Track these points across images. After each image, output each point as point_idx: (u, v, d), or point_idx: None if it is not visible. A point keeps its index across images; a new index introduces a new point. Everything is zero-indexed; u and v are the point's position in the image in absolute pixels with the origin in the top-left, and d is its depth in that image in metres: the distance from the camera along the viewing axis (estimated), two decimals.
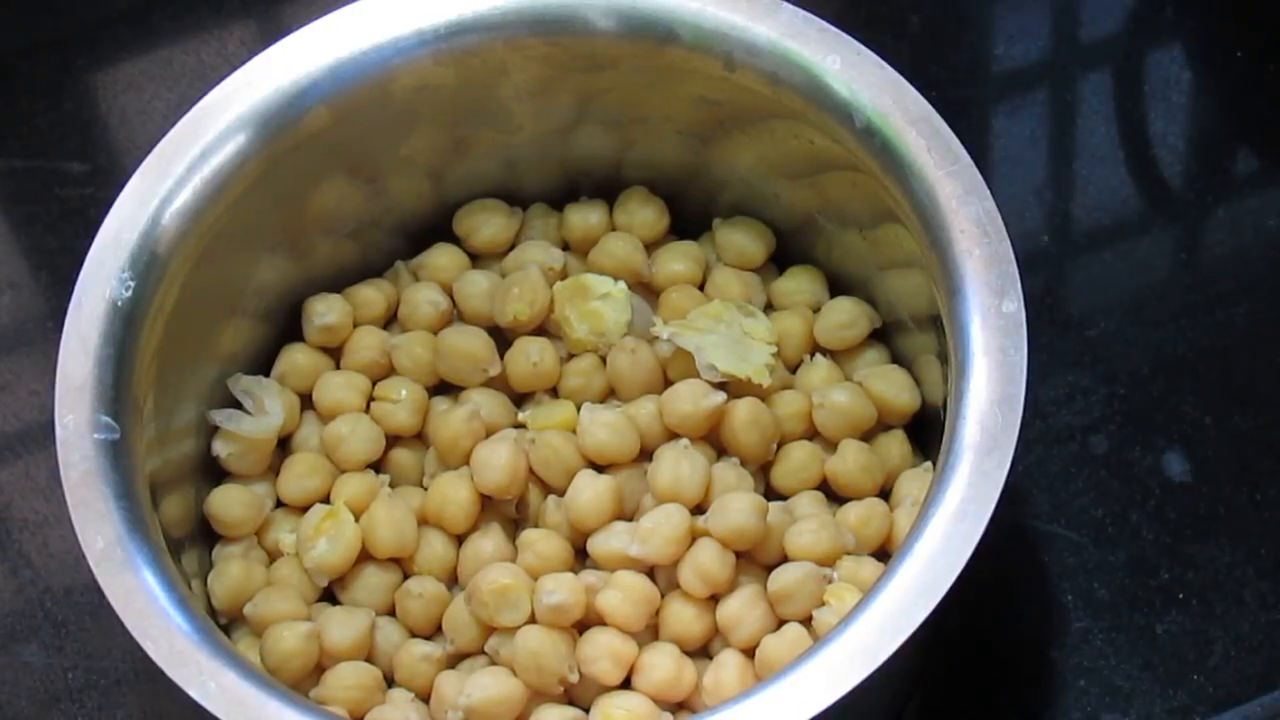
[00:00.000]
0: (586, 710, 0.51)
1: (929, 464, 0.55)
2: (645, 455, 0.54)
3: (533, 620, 0.52)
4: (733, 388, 0.55)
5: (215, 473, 0.56)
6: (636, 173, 0.59)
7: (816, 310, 0.57)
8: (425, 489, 0.56)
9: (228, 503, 0.55)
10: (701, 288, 0.58)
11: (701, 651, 0.52)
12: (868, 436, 0.55)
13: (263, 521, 0.55)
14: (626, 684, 0.51)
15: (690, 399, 0.54)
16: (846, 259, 0.57)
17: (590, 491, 0.53)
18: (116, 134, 0.70)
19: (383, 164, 0.57)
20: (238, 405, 0.56)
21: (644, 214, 0.58)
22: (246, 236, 0.55)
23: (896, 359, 0.57)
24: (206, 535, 0.55)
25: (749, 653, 0.51)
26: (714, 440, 0.55)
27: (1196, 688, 0.56)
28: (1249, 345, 0.62)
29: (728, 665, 0.51)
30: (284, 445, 0.57)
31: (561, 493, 0.54)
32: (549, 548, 0.53)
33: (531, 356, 0.56)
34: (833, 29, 0.52)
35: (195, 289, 0.53)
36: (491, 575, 0.52)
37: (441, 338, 0.56)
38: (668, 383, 0.55)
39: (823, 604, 0.51)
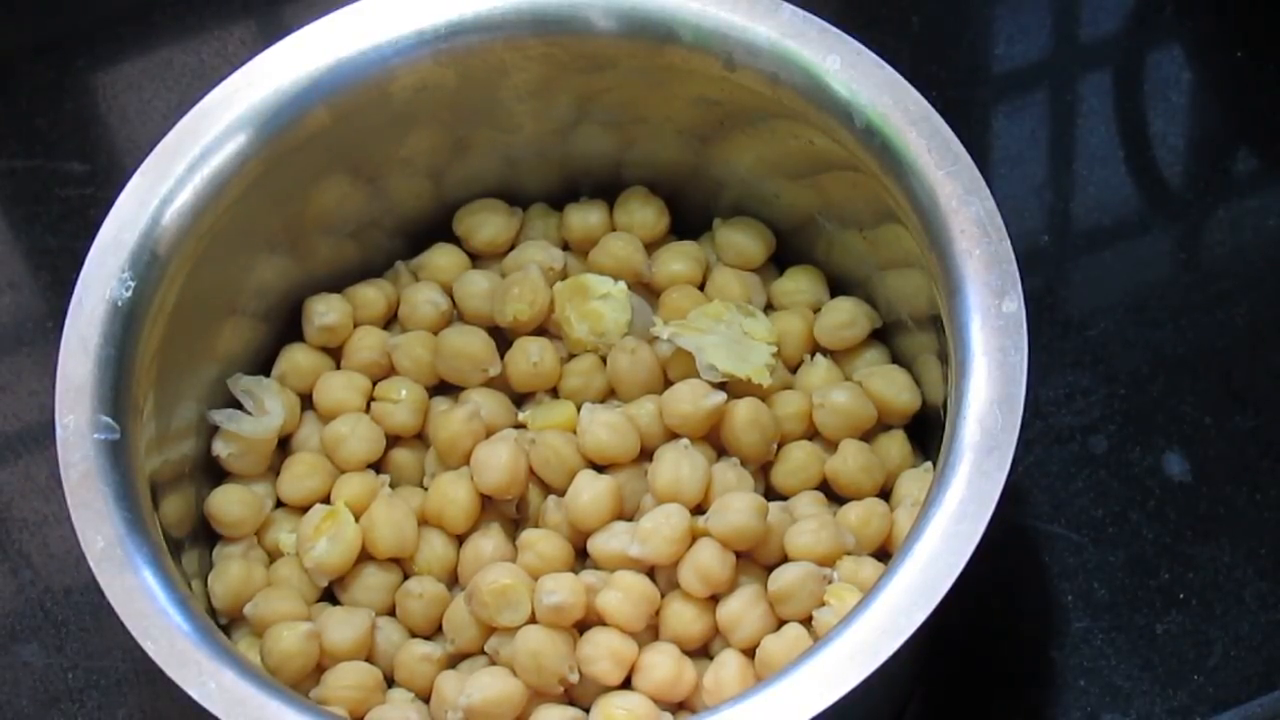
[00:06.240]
0: (587, 710, 0.51)
1: (929, 464, 0.55)
2: (645, 455, 0.54)
3: (533, 620, 0.52)
4: (733, 388, 0.55)
5: (215, 473, 0.56)
6: (636, 173, 0.59)
7: (816, 310, 0.57)
8: (425, 489, 0.56)
9: (228, 503, 0.55)
10: (701, 288, 0.58)
11: (701, 651, 0.52)
12: (868, 436, 0.55)
13: (263, 521, 0.55)
14: (627, 684, 0.51)
15: (690, 399, 0.54)
16: (846, 259, 0.57)
17: (590, 492, 0.53)
18: (116, 134, 0.69)
19: (383, 164, 0.57)
20: (238, 405, 0.56)
21: (644, 214, 0.58)
22: (246, 236, 0.55)
23: (896, 359, 0.57)
24: (206, 535, 0.55)
25: (749, 653, 0.51)
26: (714, 440, 0.55)
27: (1196, 688, 0.56)
28: (1249, 345, 0.62)
29: (728, 665, 0.51)
30: (284, 445, 0.57)
31: (561, 493, 0.54)
32: (549, 548, 0.53)
33: (531, 356, 0.56)
34: (833, 29, 0.52)
35: (195, 289, 0.53)
36: (491, 575, 0.52)
37: (441, 338, 0.56)
38: (668, 383, 0.55)
39: (823, 604, 0.51)
